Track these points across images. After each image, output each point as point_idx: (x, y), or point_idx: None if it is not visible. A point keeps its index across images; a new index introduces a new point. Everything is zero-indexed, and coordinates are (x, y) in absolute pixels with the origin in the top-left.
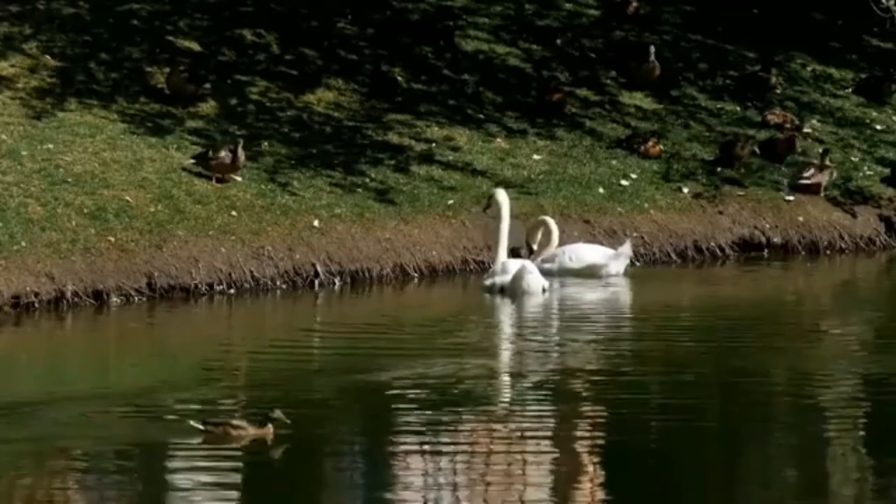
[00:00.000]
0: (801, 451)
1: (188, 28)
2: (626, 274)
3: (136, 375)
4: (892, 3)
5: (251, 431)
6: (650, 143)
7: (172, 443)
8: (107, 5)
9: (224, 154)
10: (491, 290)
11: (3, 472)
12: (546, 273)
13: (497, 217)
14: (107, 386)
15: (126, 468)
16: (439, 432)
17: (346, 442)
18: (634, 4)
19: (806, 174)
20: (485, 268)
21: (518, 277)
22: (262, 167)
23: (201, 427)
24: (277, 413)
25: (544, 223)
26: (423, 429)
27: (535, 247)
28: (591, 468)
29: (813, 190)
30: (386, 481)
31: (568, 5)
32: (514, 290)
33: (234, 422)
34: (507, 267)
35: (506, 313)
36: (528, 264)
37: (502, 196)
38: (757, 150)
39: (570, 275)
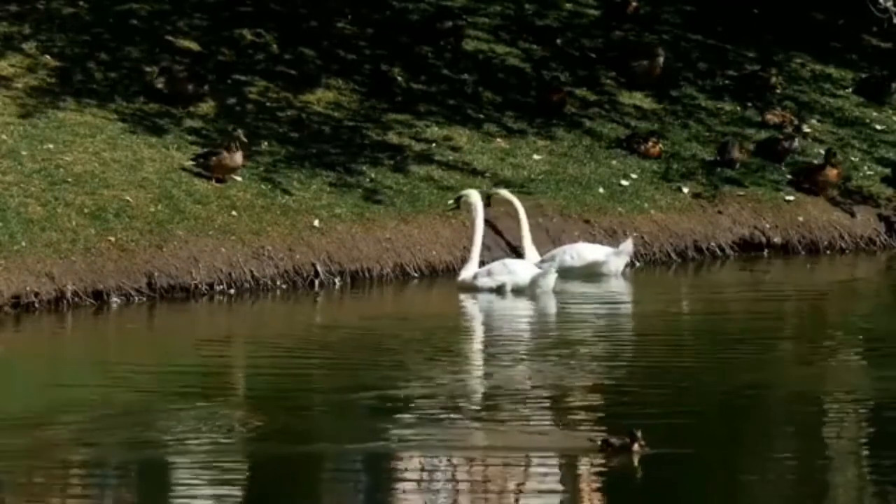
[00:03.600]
0: (802, 470)
1: (187, 28)
2: (624, 273)
3: (134, 381)
4: (889, 3)
5: (616, 445)
6: (650, 143)
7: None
8: (106, 5)
9: (226, 154)
10: (478, 289)
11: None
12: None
13: (472, 218)
14: (106, 392)
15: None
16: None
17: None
18: (634, 4)
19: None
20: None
21: (541, 276)
22: (261, 167)
23: (598, 442)
24: (639, 433)
25: (504, 198)
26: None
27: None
28: (593, 483)
29: (823, 185)
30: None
31: (568, 5)
32: (532, 290)
33: (613, 439)
34: (510, 266)
35: (523, 317)
36: (530, 264)
37: (476, 198)
38: (751, 148)
39: (570, 274)
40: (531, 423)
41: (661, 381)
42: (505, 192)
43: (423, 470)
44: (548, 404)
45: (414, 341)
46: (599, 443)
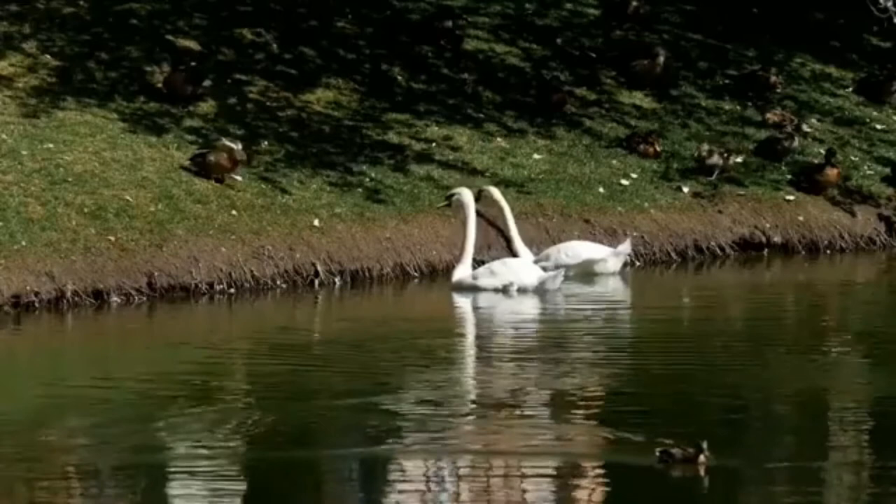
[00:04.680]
0: (804, 476)
1: (187, 27)
2: (624, 273)
3: (133, 383)
4: (889, 3)
5: (678, 457)
6: (650, 143)
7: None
8: (106, 4)
9: (223, 155)
10: (479, 289)
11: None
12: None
13: (464, 217)
14: (104, 394)
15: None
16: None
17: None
18: (634, 4)
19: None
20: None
21: (548, 277)
22: (261, 167)
23: (658, 453)
24: (705, 445)
25: (492, 197)
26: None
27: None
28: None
29: (823, 185)
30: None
31: (568, 5)
32: (537, 291)
33: (674, 450)
34: (513, 266)
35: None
36: (532, 264)
37: (467, 197)
38: (735, 159)
39: (566, 272)
40: (570, 427)
41: (674, 385)
42: (494, 192)
43: (444, 474)
44: (578, 408)
45: (433, 343)
46: (658, 454)
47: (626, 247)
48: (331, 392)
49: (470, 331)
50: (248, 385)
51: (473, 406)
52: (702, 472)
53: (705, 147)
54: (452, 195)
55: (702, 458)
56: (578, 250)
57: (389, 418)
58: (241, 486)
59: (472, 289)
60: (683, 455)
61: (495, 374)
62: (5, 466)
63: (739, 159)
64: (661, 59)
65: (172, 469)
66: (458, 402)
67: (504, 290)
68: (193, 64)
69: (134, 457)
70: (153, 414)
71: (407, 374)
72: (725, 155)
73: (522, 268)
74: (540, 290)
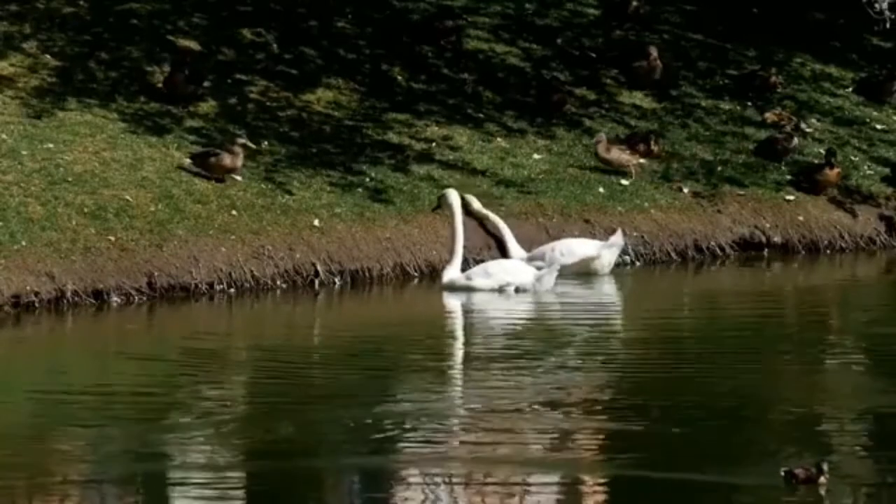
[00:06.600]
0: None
1: (187, 27)
2: (623, 272)
3: (133, 387)
4: (885, 5)
5: (801, 477)
6: (651, 143)
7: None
8: (106, 4)
9: (225, 154)
10: (474, 290)
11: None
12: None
13: (451, 218)
14: (103, 398)
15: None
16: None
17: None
18: (634, 4)
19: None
20: None
21: (543, 275)
22: (262, 166)
23: (783, 473)
24: (825, 466)
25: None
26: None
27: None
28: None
29: (823, 185)
30: None
31: (568, 5)
32: (533, 290)
33: (799, 468)
34: (508, 267)
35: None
36: (526, 264)
37: (454, 197)
38: (684, 190)
39: (562, 271)
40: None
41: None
42: (475, 204)
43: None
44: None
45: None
46: (782, 474)
47: (617, 238)
48: (330, 398)
49: (473, 333)
50: (248, 389)
51: (520, 411)
52: (822, 493)
53: (602, 136)
54: (440, 197)
55: (822, 478)
56: (573, 248)
57: (392, 423)
58: (240, 494)
59: (465, 289)
60: (806, 475)
61: (507, 379)
62: (3, 471)
63: (642, 160)
64: (654, 56)
65: (171, 475)
66: (478, 408)
67: (500, 291)
68: (182, 59)
69: (133, 464)
70: (153, 417)
71: (408, 377)
72: (626, 149)
73: (518, 267)
74: (536, 290)
